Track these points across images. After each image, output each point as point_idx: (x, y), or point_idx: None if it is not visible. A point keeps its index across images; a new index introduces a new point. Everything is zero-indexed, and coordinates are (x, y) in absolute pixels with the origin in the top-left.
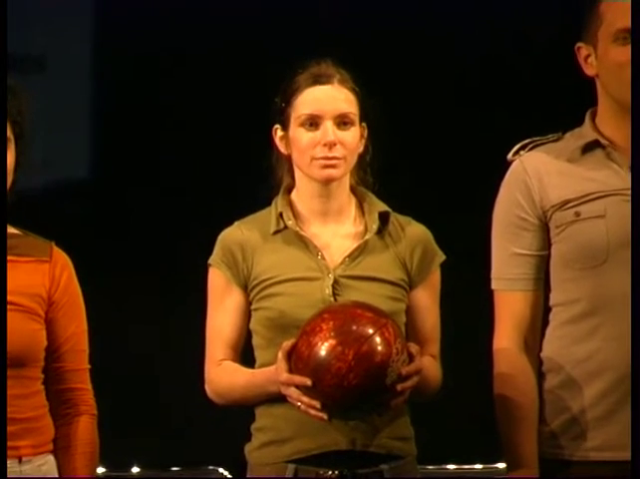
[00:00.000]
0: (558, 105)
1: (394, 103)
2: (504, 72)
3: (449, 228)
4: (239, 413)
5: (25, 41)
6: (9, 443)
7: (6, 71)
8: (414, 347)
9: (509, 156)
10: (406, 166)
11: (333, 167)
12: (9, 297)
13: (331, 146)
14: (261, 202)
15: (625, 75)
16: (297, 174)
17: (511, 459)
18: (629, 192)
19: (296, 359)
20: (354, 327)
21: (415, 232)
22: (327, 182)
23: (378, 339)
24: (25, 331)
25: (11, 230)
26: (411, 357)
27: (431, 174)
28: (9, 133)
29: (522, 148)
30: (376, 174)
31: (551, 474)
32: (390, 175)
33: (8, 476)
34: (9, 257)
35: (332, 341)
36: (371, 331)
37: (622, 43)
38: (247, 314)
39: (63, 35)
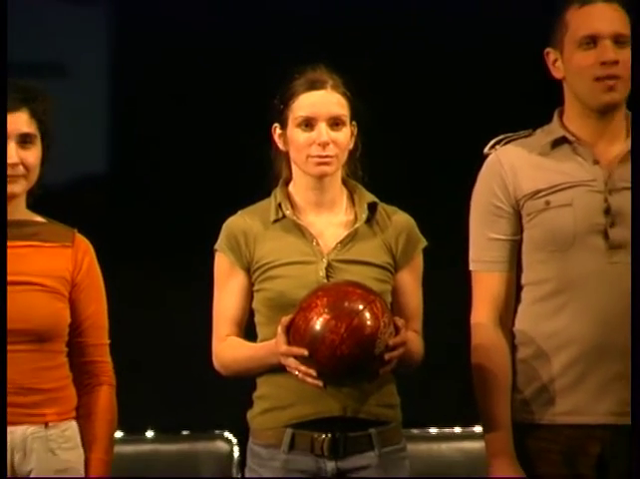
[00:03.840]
0: (532, 102)
1: (381, 102)
2: (486, 69)
3: (430, 215)
4: (243, 383)
5: (47, 49)
6: (36, 411)
7: (6, 73)
8: (399, 321)
9: (486, 150)
10: (393, 160)
11: (326, 164)
12: (36, 279)
13: (325, 145)
14: (261, 193)
15: (588, 77)
16: (294, 168)
17: (487, 423)
18: (594, 183)
19: (294, 333)
20: (346, 303)
21: (400, 220)
22: (321, 177)
23: (367, 314)
24: (50, 310)
25: (37, 218)
26: (397, 330)
27: (415, 167)
28: (35, 130)
29: (497, 142)
30: (365, 168)
31: (523, 436)
32: (378, 168)
33: (36, 439)
34: (36, 243)
35: (326, 316)
36: (361, 307)
37: (586, 48)
38: (250, 295)
39: (81, 43)
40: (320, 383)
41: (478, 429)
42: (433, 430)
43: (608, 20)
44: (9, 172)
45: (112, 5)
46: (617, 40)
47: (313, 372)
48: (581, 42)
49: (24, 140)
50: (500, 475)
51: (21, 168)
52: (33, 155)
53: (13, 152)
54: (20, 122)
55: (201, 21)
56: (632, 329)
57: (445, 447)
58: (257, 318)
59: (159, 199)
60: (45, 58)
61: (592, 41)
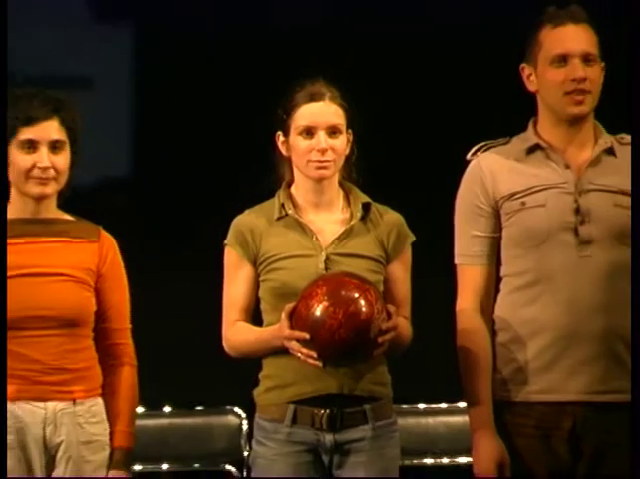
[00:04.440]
0: (514, 111)
1: (374, 112)
2: (469, 79)
3: (418, 214)
4: (250, 364)
5: (76, 64)
6: (65, 388)
7: (6, 76)
8: (391, 308)
9: (468, 156)
10: (385, 165)
11: (325, 168)
12: (66, 271)
13: (323, 151)
14: (267, 193)
15: (559, 91)
16: (296, 172)
17: (469, 399)
18: (565, 185)
19: (296, 319)
20: (343, 292)
21: (391, 218)
22: (320, 179)
23: (362, 302)
24: (78, 299)
25: (66, 216)
26: (389, 316)
27: (405, 171)
28: (65, 137)
29: (479, 149)
30: (359, 171)
31: (502, 412)
32: (371, 171)
33: (65, 414)
34: (65, 239)
35: (325, 304)
36: (356, 295)
37: (557, 66)
38: (256, 285)
39: (106, 58)
40: (320, 364)
41: (461, 405)
42: (420, 406)
43: (578, 40)
44: (41, 174)
45: (134, 25)
46: (586, 58)
47: (313, 354)
48: (554, 60)
49: (54, 146)
50: (482, 446)
51: (51, 171)
52: (62, 159)
53: (44, 156)
54: (51, 129)
55: (217, 40)
56: (632, 321)
57: (431, 421)
58: (263, 306)
59: (175, 199)
60: (74, 72)
61: (563, 59)
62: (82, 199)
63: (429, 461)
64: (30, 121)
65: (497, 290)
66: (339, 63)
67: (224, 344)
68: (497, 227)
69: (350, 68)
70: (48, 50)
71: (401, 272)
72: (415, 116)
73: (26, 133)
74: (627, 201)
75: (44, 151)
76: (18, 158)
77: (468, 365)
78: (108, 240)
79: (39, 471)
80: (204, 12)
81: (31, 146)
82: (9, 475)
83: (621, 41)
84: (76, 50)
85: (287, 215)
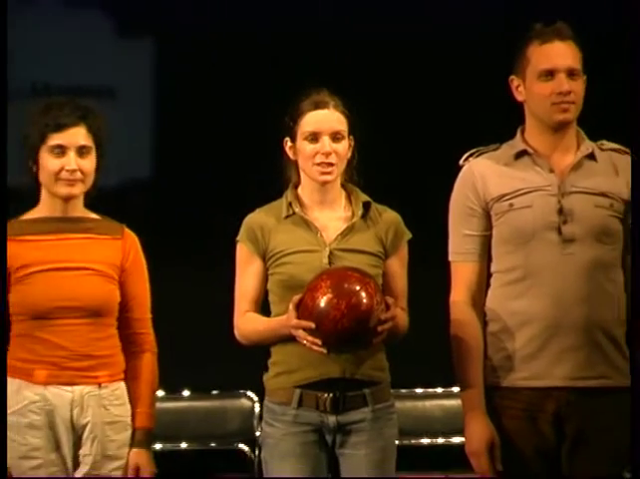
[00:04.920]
0: (505, 119)
1: (375, 119)
2: (456, 88)
3: (415, 214)
4: (260, 351)
5: (100, 75)
6: (91, 373)
7: (6, 81)
8: (389, 299)
9: (461, 161)
10: (384, 168)
11: (329, 171)
12: (92, 266)
13: (327, 155)
14: (275, 194)
15: (546, 103)
16: (302, 174)
17: (462, 384)
18: (549, 188)
19: (302, 309)
20: (345, 285)
21: (389, 216)
22: (324, 182)
23: (363, 294)
24: (103, 290)
25: (93, 215)
26: (387, 307)
27: (403, 175)
28: (91, 142)
29: (470, 155)
30: (360, 173)
31: (492, 396)
32: (372, 174)
33: (91, 397)
34: (92, 236)
35: (329, 295)
36: (358, 288)
37: (544, 80)
38: (265, 278)
39: (128, 70)
40: (324, 351)
41: (455, 389)
42: (418, 390)
43: (563, 57)
44: (69, 176)
45: (154, 41)
46: (571, 73)
47: (318, 342)
48: (540, 74)
49: (81, 151)
50: (473, 427)
51: (79, 173)
52: (89, 163)
53: (72, 160)
54: (78, 135)
55: (230, 54)
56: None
57: (427, 404)
58: (271, 297)
59: (191, 199)
60: (100, 83)
61: (550, 74)
62: (107, 199)
63: (425, 441)
64: (59, 127)
65: (488, 284)
66: (343, 75)
67: (235, 333)
68: (488, 226)
69: (353, 80)
70: (77, 63)
71: (398, 267)
72: (412, 124)
73: (55, 139)
74: (606, 202)
75: (72, 155)
76: (48, 162)
77: (460, 353)
78: (131, 238)
79: (67, 449)
80: (219, 28)
81: (60, 151)
82: (39, 454)
83: (603, 57)
84: (102, 63)
85: (294, 213)
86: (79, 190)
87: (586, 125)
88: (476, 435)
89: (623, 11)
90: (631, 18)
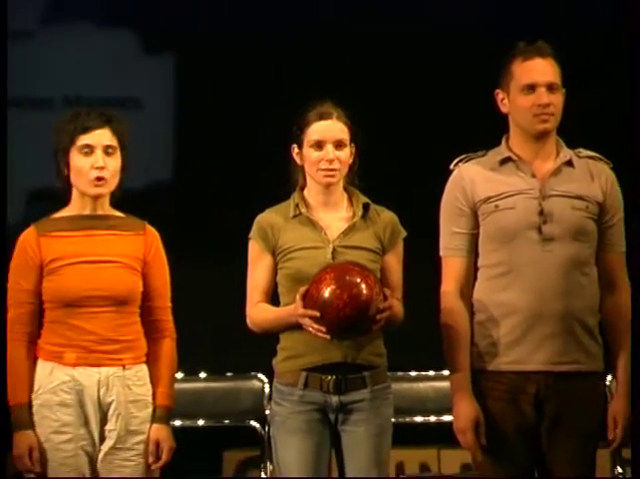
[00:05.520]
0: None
1: (374, 128)
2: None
3: (410, 214)
4: (270, 338)
5: (127, 87)
6: (116, 356)
7: (6, 86)
8: (387, 291)
9: (451, 166)
10: (382, 172)
11: (332, 175)
12: (118, 259)
13: (331, 161)
14: (284, 196)
15: (528, 114)
16: (308, 178)
17: (451, 367)
18: (531, 191)
19: (308, 299)
20: (347, 277)
21: (386, 216)
22: (328, 185)
23: (363, 285)
24: (128, 282)
25: (118, 213)
26: (385, 297)
27: (399, 178)
28: (116, 143)
29: (460, 161)
30: (361, 177)
31: (478, 379)
32: (371, 178)
33: (116, 378)
34: (117, 232)
35: (333, 286)
36: (358, 280)
37: (526, 93)
38: (275, 272)
39: (153, 82)
40: (327, 337)
41: (446, 372)
42: (412, 373)
43: (544, 72)
44: (97, 174)
45: (176, 56)
46: (550, 87)
47: (322, 329)
48: (523, 88)
49: (107, 150)
50: (461, 406)
51: (106, 171)
52: (114, 162)
53: (100, 158)
54: (104, 136)
55: (245, 69)
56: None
57: (421, 386)
58: (280, 289)
59: (208, 200)
60: (126, 94)
61: (531, 88)
62: (133, 199)
63: (418, 419)
64: (87, 129)
65: (475, 278)
66: (346, 91)
67: (248, 322)
68: (475, 225)
69: (355, 94)
70: (106, 77)
71: (394, 262)
72: (407, 134)
73: (84, 139)
74: (582, 205)
75: (99, 153)
76: (78, 161)
77: (450, 339)
78: (152, 233)
79: (94, 425)
80: (233, 46)
81: (88, 150)
82: (70, 429)
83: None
84: (129, 77)
85: (301, 213)
86: (106, 189)
87: (567, 133)
88: (462, 413)
89: (621, 13)
90: (629, 20)
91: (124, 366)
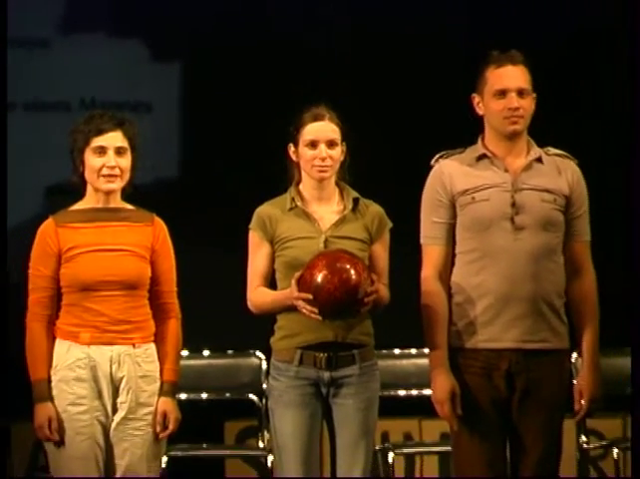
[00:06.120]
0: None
1: (363, 128)
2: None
3: (394, 206)
4: (268, 318)
5: (138, 92)
6: (127, 336)
7: (6, 83)
8: (374, 276)
9: (432, 162)
10: (369, 169)
11: (325, 172)
12: (128, 247)
13: (323, 159)
14: (281, 190)
15: (500, 117)
16: (303, 174)
17: (430, 345)
18: (504, 185)
19: (302, 284)
20: (338, 264)
21: (374, 209)
22: (321, 180)
23: (353, 271)
24: (137, 268)
25: (128, 206)
26: (372, 282)
27: (385, 175)
28: (127, 145)
29: (440, 157)
30: (351, 173)
31: (456, 356)
32: (360, 174)
33: (127, 355)
34: (128, 223)
35: (325, 272)
36: (348, 266)
37: (498, 98)
38: (273, 259)
39: (162, 87)
40: (320, 318)
41: (427, 350)
42: (396, 351)
43: (514, 79)
44: (109, 172)
45: (183, 63)
46: (520, 92)
47: (315, 310)
48: (495, 93)
49: (119, 151)
50: (438, 381)
51: (117, 169)
52: (125, 161)
53: (112, 158)
54: (116, 138)
55: (248, 72)
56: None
57: (404, 362)
58: (277, 275)
59: (212, 193)
60: (137, 98)
61: (503, 93)
62: (142, 194)
63: (402, 392)
64: (100, 132)
65: (453, 264)
66: (339, 96)
67: (248, 304)
68: (453, 215)
69: (346, 97)
70: (119, 82)
71: (381, 251)
72: (391, 133)
73: (97, 141)
74: (551, 197)
75: (111, 154)
76: (92, 160)
77: (429, 320)
78: (160, 224)
79: (107, 398)
80: (236, 54)
81: (101, 151)
82: (85, 401)
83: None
84: (139, 82)
85: (296, 206)
86: (117, 185)
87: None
88: (440, 387)
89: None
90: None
91: (134, 345)
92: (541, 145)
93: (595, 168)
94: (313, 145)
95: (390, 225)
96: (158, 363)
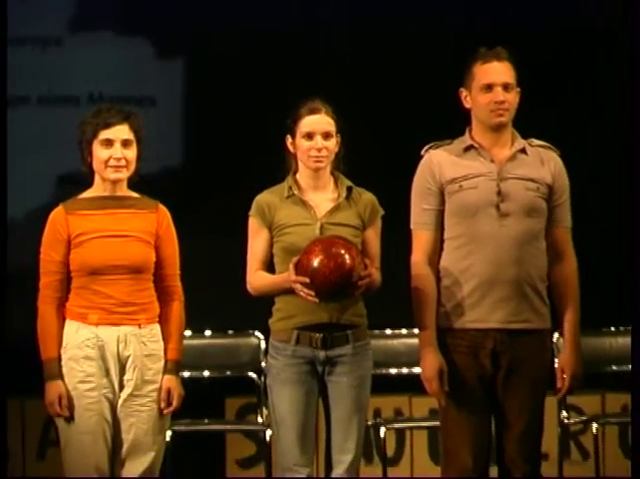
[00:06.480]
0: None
1: (357, 120)
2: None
3: (386, 194)
4: (267, 300)
5: (143, 86)
6: (133, 317)
7: (6, 79)
8: (367, 261)
9: (422, 152)
10: (363, 159)
11: (320, 162)
12: (134, 233)
13: (319, 150)
14: (279, 179)
15: (486, 110)
16: (300, 164)
17: (419, 326)
18: (490, 174)
19: (300, 267)
20: (333, 249)
21: (367, 197)
22: (317, 170)
23: (347, 256)
24: (142, 253)
25: (134, 194)
26: (365, 266)
27: (377, 164)
28: (133, 137)
29: (430, 147)
30: (345, 163)
31: (444, 336)
32: (354, 164)
33: (133, 335)
34: (134, 211)
35: (321, 256)
36: (343, 251)
37: (485, 92)
38: (271, 244)
39: (166, 82)
40: (316, 300)
41: (416, 331)
42: (387, 331)
43: (500, 74)
44: (116, 163)
45: (186, 58)
46: (505, 87)
47: (312, 293)
48: (482, 88)
49: (125, 143)
50: (427, 359)
51: (123, 161)
52: (131, 153)
53: (118, 150)
54: (123, 131)
55: (248, 68)
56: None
57: (395, 342)
58: (275, 259)
59: (214, 182)
60: (142, 93)
61: (489, 87)
62: (147, 182)
63: (393, 371)
64: (108, 125)
65: (442, 249)
66: (335, 91)
67: (247, 287)
68: (442, 202)
69: (342, 91)
70: (125, 78)
71: (373, 237)
72: (385, 124)
73: (105, 134)
74: (534, 186)
75: (118, 146)
76: (99, 152)
77: (418, 301)
78: (164, 211)
79: (114, 375)
80: (238, 50)
81: (108, 143)
82: (93, 379)
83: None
84: (145, 77)
85: (293, 194)
86: (124, 175)
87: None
88: (428, 365)
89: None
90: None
91: (139, 325)
92: (525, 137)
93: (595, 167)
94: (309, 136)
95: (382, 212)
96: (162, 343)
